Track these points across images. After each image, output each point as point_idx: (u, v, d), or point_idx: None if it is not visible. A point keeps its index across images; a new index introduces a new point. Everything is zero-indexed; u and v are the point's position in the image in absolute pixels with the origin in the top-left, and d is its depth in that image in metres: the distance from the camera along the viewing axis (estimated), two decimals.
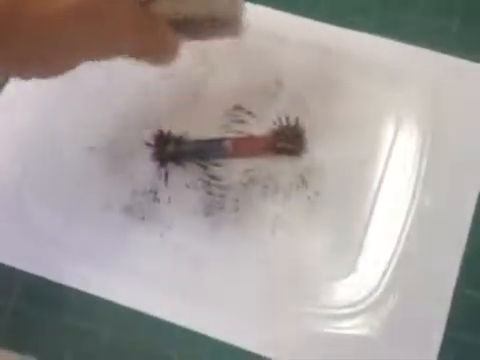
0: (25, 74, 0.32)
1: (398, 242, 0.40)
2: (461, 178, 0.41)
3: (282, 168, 0.42)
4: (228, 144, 0.43)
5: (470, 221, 0.40)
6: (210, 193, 0.42)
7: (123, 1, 0.31)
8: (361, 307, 0.39)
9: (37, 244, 0.42)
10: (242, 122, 0.44)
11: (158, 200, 0.42)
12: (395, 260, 0.40)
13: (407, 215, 0.41)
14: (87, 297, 0.40)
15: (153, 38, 0.34)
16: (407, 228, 0.40)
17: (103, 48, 0.32)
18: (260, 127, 0.43)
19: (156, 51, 0.35)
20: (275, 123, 0.43)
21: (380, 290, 0.39)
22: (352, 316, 0.39)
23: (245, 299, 0.40)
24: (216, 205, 0.42)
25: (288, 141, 0.43)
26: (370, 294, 0.39)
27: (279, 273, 0.40)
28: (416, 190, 0.41)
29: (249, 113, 0.44)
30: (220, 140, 0.43)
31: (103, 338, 0.39)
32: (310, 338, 0.39)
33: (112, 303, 0.40)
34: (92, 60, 0.32)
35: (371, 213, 0.41)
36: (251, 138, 0.43)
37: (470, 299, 0.39)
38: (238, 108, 0.44)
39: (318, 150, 0.42)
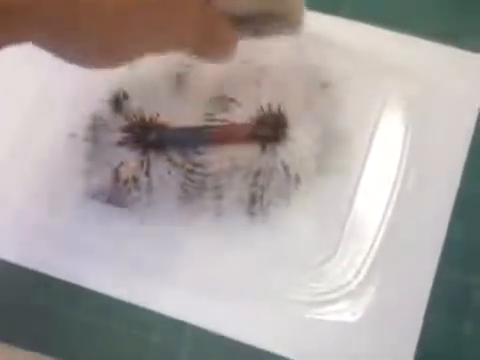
0: (88, 65, 0.32)
1: (380, 226, 0.40)
2: (444, 162, 0.41)
3: (264, 155, 0.42)
4: (210, 132, 0.43)
5: (452, 205, 0.40)
6: (192, 181, 0.42)
7: None
8: (342, 292, 0.39)
9: (17, 232, 0.42)
10: (225, 110, 0.44)
11: (139, 188, 0.42)
12: (377, 244, 0.40)
13: (389, 200, 0.41)
14: (70, 286, 0.40)
15: (214, 33, 0.35)
16: (389, 213, 0.40)
17: (167, 41, 0.33)
18: (243, 115, 0.43)
19: (215, 47, 0.36)
20: (257, 110, 0.43)
21: (361, 275, 0.39)
22: (333, 302, 0.39)
23: (226, 286, 0.40)
24: (197, 193, 0.42)
25: (270, 128, 0.42)
26: (351, 279, 0.39)
27: (260, 260, 0.40)
28: (399, 174, 0.41)
29: (232, 100, 0.44)
30: (202, 128, 0.43)
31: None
32: (292, 324, 0.39)
33: (90, 291, 0.40)
34: (155, 53, 0.33)
35: (352, 199, 0.41)
36: (233, 126, 0.43)
37: (451, 283, 0.39)
38: (221, 96, 0.44)
39: (300, 136, 0.42)
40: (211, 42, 0.35)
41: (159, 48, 0.33)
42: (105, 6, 0.29)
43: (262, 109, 0.43)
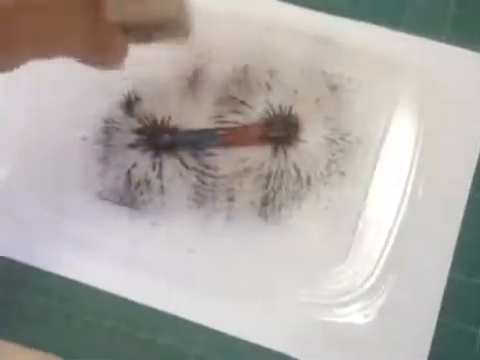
0: None
1: (392, 229, 0.40)
2: (455, 166, 0.41)
3: (276, 157, 0.42)
4: (222, 134, 0.43)
5: (464, 207, 0.40)
6: (204, 183, 0.42)
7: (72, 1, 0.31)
8: (355, 295, 0.39)
9: (29, 233, 0.42)
10: (236, 112, 0.44)
11: (151, 190, 0.42)
12: (389, 247, 0.40)
13: (401, 202, 0.41)
14: (78, 286, 0.41)
15: (104, 42, 0.34)
16: (401, 215, 0.40)
17: (52, 47, 0.32)
18: (254, 117, 0.43)
19: (105, 56, 0.35)
20: (268, 112, 0.43)
21: (374, 277, 0.39)
22: (346, 304, 0.39)
23: (239, 288, 0.40)
24: (209, 195, 0.42)
25: (281, 130, 0.43)
26: (364, 282, 0.39)
27: (272, 262, 0.40)
28: (410, 177, 0.41)
29: (243, 103, 0.44)
30: (214, 130, 0.43)
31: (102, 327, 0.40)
32: (304, 326, 0.39)
33: (102, 291, 0.40)
34: (38, 57, 0.32)
35: (365, 199, 0.41)
36: (244, 128, 0.43)
37: (463, 285, 0.39)
38: (232, 98, 0.44)
39: (311, 139, 0.42)
40: (101, 51, 0.34)
41: (44, 53, 0.32)
42: None
43: (273, 111, 0.43)
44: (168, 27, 0.35)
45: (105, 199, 0.42)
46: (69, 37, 0.32)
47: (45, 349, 0.40)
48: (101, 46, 0.34)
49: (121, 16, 0.34)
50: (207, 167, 0.42)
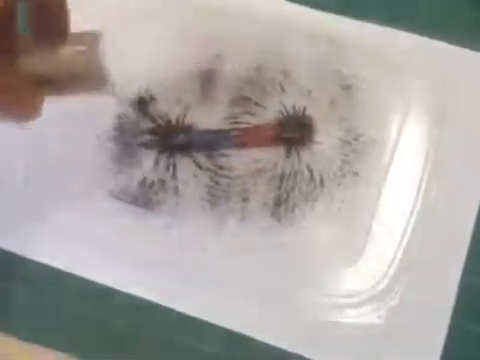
0: None
1: (405, 230, 0.40)
2: (468, 167, 0.41)
3: (289, 158, 0.42)
4: (235, 135, 0.43)
5: (477, 210, 0.40)
6: (217, 183, 0.42)
7: None
8: (368, 296, 0.39)
9: (45, 233, 0.42)
10: (249, 113, 0.44)
11: (165, 190, 0.42)
12: (402, 248, 0.40)
13: (414, 203, 0.41)
14: (95, 286, 0.41)
15: (16, 96, 0.32)
16: (414, 216, 0.40)
17: None
18: (267, 118, 0.44)
19: (12, 109, 0.33)
20: (282, 113, 0.43)
21: (387, 279, 0.39)
22: (359, 305, 0.39)
23: (251, 288, 0.40)
24: (223, 195, 0.42)
25: (295, 131, 0.43)
26: (377, 283, 0.39)
27: (286, 262, 0.40)
28: (423, 178, 0.41)
29: (257, 104, 0.44)
30: (228, 130, 0.43)
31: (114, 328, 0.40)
32: (316, 326, 0.39)
33: (119, 292, 0.40)
34: None
35: (378, 201, 0.41)
36: (258, 128, 0.43)
37: (476, 287, 0.39)
38: (245, 99, 0.44)
39: (325, 140, 0.43)
40: (14, 104, 0.32)
41: None
42: None
43: (287, 112, 0.43)
44: (81, 78, 0.34)
45: (119, 198, 0.42)
46: None
47: (61, 349, 0.40)
48: (14, 100, 0.32)
49: (33, 67, 0.33)
50: (221, 168, 0.43)
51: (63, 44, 0.33)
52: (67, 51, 0.34)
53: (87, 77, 0.34)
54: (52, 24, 0.33)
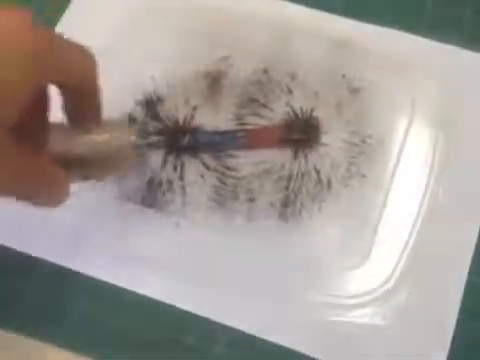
0: None
1: (411, 231, 0.40)
2: (474, 168, 0.42)
3: (296, 159, 0.43)
4: (243, 136, 0.43)
5: None
6: (224, 184, 0.42)
7: None
8: (374, 296, 0.39)
9: (54, 234, 0.42)
10: (257, 115, 0.44)
11: (173, 191, 0.42)
12: (408, 249, 0.40)
13: (421, 204, 0.41)
14: (107, 286, 0.41)
15: (36, 181, 0.31)
16: (420, 217, 0.41)
17: None
18: (275, 120, 0.44)
19: (40, 194, 0.32)
20: (289, 114, 0.44)
21: (393, 279, 0.40)
22: (365, 305, 0.39)
23: (258, 288, 0.40)
24: (230, 196, 0.42)
25: (302, 132, 0.43)
26: (383, 283, 0.40)
27: (292, 262, 0.40)
28: (430, 179, 0.41)
29: (264, 106, 0.44)
30: (235, 131, 0.43)
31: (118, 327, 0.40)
32: (322, 327, 0.39)
33: (128, 292, 0.40)
34: None
35: (385, 202, 0.41)
36: (266, 129, 0.44)
37: None
38: (253, 101, 0.45)
39: (332, 141, 0.43)
40: (33, 189, 0.31)
41: None
42: None
43: (294, 113, 0.44)
44: (110, 164, 0.35)
45: (127, 198, 0.43)
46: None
47: (79, 351, 0.40)
48: (36, 186, 0.31)
49: (63, 151, 0.33)
50: (228, 168, 0.43)
51: (95, 130, 0.33)
52: (99, 136, 0.34)
53: (116, 163, 0.35)
54: (85, 110, 0.33)
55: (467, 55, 0.45)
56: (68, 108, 0.32)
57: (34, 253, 0.42)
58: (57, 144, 0.33)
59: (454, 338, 0.38)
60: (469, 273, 0.39)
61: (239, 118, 0.44)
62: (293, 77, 0.45)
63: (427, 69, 0.44)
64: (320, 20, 0.47)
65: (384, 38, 0.46)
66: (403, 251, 0.40)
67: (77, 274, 0.41)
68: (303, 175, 0.42)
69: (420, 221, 0.41)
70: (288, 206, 0.42)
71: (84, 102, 0.32)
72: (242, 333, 0.39)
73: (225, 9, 0.47)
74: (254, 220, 0.42)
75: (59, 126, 0.33)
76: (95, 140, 0.34)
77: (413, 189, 0.41)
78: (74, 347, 0.40)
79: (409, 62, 0.45)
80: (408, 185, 0.42)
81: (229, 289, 0.40)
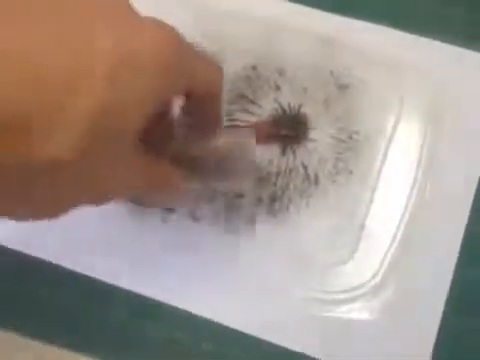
0: (15, 218, 0.27)
1: (398, 227, 0.41)
2: (462, 164, 0.42)
3: (284, 155, 0.43)
4: None
5: (470, 206, 0.41)
6: None
7: (122, 141, 0.27)
8: (361, 291, 0.40)
9: (53, 231, 0.42)
10: (245, 111, 0.44)
11: None
12: (395, 245, 0.40)
13: (408, 200, 0.41)
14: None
15: (163, 188, 0.33)
16: (407, 213, 0.41)
17: (102, 191, 0.28)
18: (263, 116, 0.44)
19: (158, 190, 0.33)
20: (277, 111, 0.44)
21: (379, 275, 0.40)
22: (352, 300, 0.40)
23: (245, 283, 0.40)
24: (217, 192, 0.42)
25: (290, 128, 0.43)
26: (369, 279, 0.40)
27: (279, 257, 0.41)
28: (417, 176, 0.42)
29: (252, 102, 0.44)
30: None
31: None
32: (309, 322, 0.39)
33: (122, 289, 0.41)
34: (90, 204, 0.29)
35: (372, 198, 0.41)
36: (254, 126, 0.44)
37: (469, 283, 0.39)
38: (241, 97, 0.45)
39: (319, 137, 0.43)
40: (152, 186, 0.31)
41: (95, 198, 0.28)
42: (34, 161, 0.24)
43: (282, 110, 0.44)
44: (230, 171, 0.35)
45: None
46: (120, 179, 0.29)
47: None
48: (155, 183, 0.31)
49: (184, 157, 0.33)
50: None
51: (218, 137, 0.34)
52: (221, 144, 0.34)
53: (236, 171, 0.36)
54: (207, 118, 0.33)
55: (457, 52, 0.45)
56: (190, 114, 0.32)
57: (27, 251, 0.42)
58: (177, 150, 0.33)
59: (440, 332, 0.38)
60: (456, 268, 0.39)
61: (229, 114, 0.44)
62: (281, 73, 0.45)
63: (416, 66, 0.44)
64: (309, 16, 0.47)
65: (373, 35, 0.46)
66: (390, 246, 0.40)
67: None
68: (291, 171, 0.42)
69: (407, 216, 0.41)
70: (276, 201, 0.42)
71: (206, 110, 0.32)
72: (228, 329, 0.39)
73: (215, 6, 0.47)
74: (242, 215, 0.42)
75: (181, 132, 0.33)
76: (216, 147, 0.34)
77: (400, 184, 0.42)
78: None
79: (398, 59, 0.45)
80: (395, 181, 0.42)
81: (216, 286, 0.40)
